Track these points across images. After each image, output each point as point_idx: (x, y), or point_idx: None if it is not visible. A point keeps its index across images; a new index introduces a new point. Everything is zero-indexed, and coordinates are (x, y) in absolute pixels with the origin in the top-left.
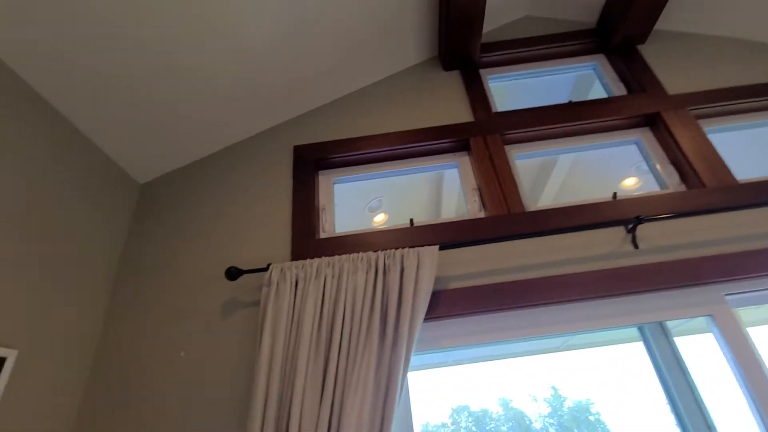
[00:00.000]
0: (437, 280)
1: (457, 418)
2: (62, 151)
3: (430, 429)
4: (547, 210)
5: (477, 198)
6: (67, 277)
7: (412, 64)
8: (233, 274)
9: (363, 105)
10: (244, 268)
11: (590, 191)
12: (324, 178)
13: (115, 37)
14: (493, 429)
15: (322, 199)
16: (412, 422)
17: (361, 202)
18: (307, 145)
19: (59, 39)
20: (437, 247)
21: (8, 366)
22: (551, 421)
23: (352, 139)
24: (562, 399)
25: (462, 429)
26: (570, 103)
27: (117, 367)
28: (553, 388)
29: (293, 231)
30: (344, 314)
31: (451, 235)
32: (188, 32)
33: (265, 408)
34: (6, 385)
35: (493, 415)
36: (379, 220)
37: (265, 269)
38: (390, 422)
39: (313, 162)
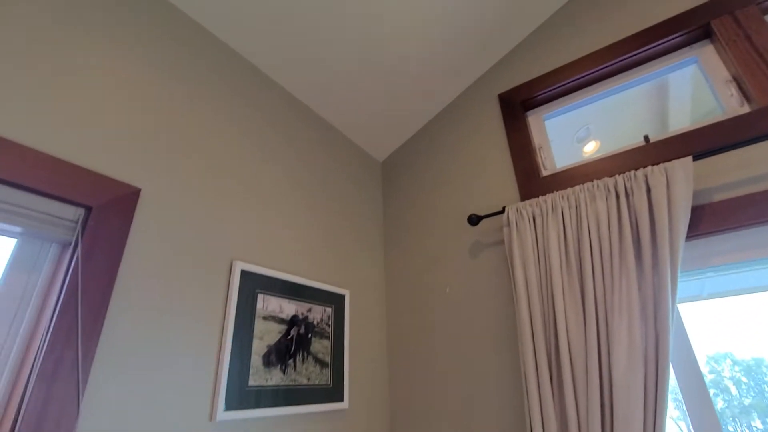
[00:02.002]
0: (695, 194)
1: (716, 366)
2: (336, 151)
3: None
4: None
5: (734, 90)
6: (364, 242)
7: None
8: (474, 220)
9: (559, 31)
10: (481, 214)
11: None
12: (533, 118)
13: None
14: None
15: (536, 138)
16: (693, 352)
17: (566, 136)
18: (510, 90)
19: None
20: (690, 158)
21: (347, 300)
22: None
23: (554, 71)
24: None
25: (726, 378)
26: None
27: (402, 302)
28: None
29: (516, 174)
30: (590, 242)
31: (701, 144)
32: None
33: (533, 333)
34: (349, 312)
35: None
36: (590, 149)
37: (502, 212)
38: (666, 343)
39: (519, 105)
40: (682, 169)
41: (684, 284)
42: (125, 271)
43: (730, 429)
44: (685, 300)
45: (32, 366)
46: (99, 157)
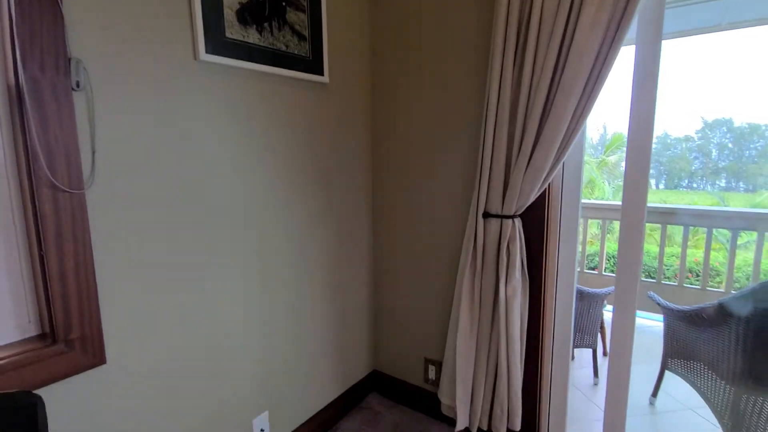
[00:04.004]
0: None
1: (708, 133)
2: None
3: (669, 141)
4: None
5: None
6: None
7: None
8: None
9: None
10: None
11: None
12: None
13: None
14: (760, 147)
15: None
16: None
17: None
18: None
19: None
20: None
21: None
22: None
23: None
24: None
25: (712, 144)
26: None
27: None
28: None
29: None
30: None
31: None
32: None
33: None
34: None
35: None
36: None
37: None
38: (633, 9)
39: None
40: None
41: (704, 7)
42: None
43: (694, 186)
44: (704, 30)
45: None
46: None
